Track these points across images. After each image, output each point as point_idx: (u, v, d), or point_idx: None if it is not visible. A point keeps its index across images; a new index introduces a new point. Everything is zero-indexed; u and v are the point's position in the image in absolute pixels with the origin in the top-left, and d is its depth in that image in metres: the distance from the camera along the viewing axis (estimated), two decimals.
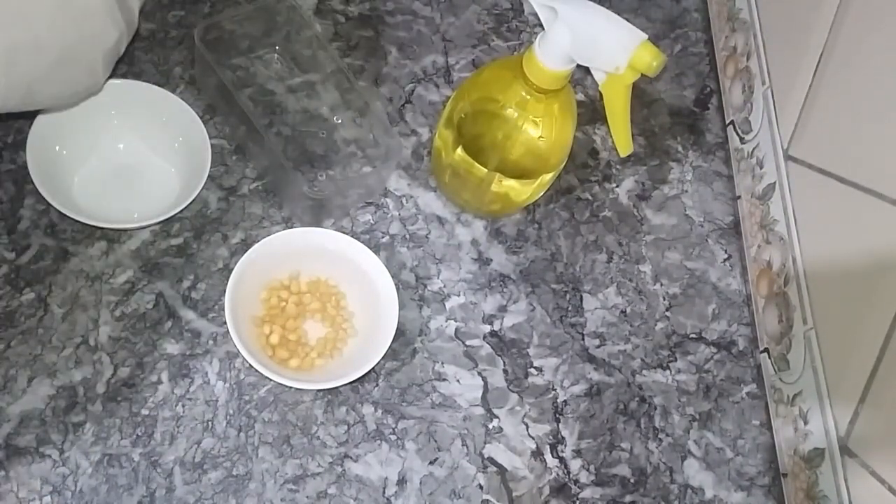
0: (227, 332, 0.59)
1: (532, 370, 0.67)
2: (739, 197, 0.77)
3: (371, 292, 0.63)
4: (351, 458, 0.61)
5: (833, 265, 0.63)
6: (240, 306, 0.60)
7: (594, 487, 0.64)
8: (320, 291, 0.65)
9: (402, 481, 0.61)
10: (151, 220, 0.63)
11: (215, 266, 0.65)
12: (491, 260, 0.70)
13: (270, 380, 0.59)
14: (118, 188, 0.65)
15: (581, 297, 0.71)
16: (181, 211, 0.63)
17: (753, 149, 0.76)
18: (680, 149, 0.80)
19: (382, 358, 0.60)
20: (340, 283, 0.65)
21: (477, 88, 0.65)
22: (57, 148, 0.63)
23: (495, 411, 0.65)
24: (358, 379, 0.60)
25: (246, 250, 0.61)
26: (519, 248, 0.72)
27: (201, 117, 0.65)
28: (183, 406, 0.60)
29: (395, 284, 0.63)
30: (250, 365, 0.58)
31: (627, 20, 0.57)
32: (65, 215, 0.60)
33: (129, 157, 0.67)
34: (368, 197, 0.70)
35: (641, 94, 0.80)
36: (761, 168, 0.74)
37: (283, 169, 0.65)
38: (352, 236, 0.65)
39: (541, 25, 0.58)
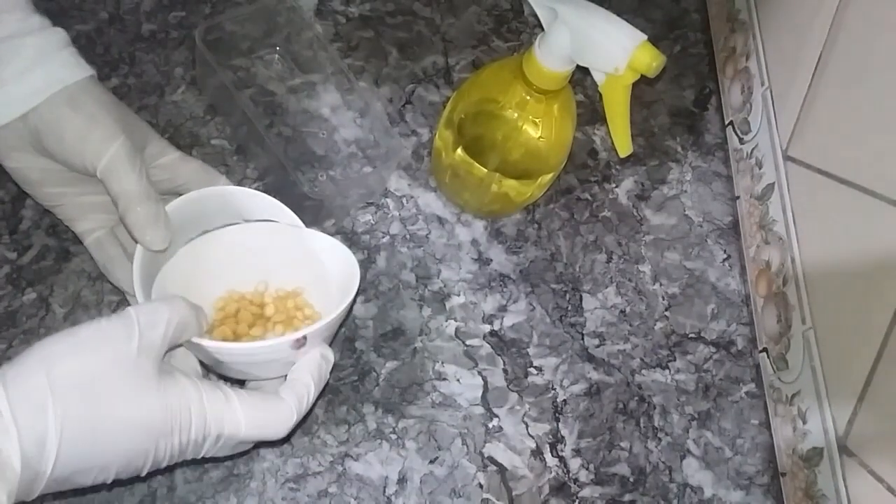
0: None
1: (532, 370, 0.67)
2: (738, 197, 0.77)
3: (329, 282, 0.57)
4: (351, 457, 0.61)
5: (832, 265, 0.63)
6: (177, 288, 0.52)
7: (593, 486, 0.64)
8: (287, 307, 0.58)
9: (402, 480, 0.61)
10: None
11: None
12: (491, 260, 0.71)
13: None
14: None
15: (581, 297, 0.71)
16: None
17: (752, 149, 0.76)
18: (679, 149, 0.80)
19: (383, 357, 0.60)
20: (305, 288, 0.59)
21: (477, 89, 0.66)
22: None
23: (495, 410, 0.65)
24: (358, 378, 0.60)
25: None
26: (519, 248, 0.72)
27: (202, 117, 0.65)
28: None
29: (395, 283, 0.63)
30: None
31: (627, 20, 0.57)
32: None
33: None
34: (369, 197, 0.70)
35: (641, 94, 0.80)
36: (760, 168, 0.74)
37: (284, 169, 0.65)
38: (352, 236, 0.65)
39: (540, 26, 0.58)
